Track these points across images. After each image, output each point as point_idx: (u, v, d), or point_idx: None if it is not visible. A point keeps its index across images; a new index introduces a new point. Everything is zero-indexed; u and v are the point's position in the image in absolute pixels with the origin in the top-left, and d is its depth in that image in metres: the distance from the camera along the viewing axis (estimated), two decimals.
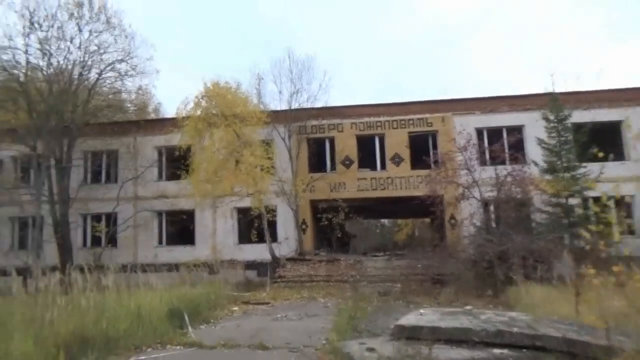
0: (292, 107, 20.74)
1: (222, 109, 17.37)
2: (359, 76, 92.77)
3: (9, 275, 7.94)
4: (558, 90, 16.48)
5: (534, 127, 17.69)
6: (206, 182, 17.43)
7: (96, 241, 21.71)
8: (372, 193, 20.29)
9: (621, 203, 17.32)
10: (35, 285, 7.25)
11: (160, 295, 9.00)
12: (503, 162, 14.61)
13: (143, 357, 6.38)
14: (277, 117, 20.23)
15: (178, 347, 7.07)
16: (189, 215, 21.36)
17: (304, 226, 20.55)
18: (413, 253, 22.06)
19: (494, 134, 18.82)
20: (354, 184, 20.40)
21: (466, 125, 18.46)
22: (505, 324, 6.22)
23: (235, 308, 12.10)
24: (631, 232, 16.46)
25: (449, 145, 17.56)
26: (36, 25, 19.89)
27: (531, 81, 76.71)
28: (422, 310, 7.19)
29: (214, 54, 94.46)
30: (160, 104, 34.55)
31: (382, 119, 20.61)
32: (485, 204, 18.10)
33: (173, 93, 58.33)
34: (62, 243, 20.17)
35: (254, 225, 18.93)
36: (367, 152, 20.61)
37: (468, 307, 7.39)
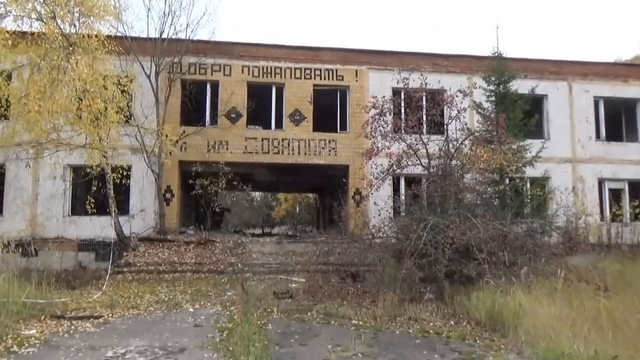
0: (165, 36, 15.08)
1: None
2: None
3: None
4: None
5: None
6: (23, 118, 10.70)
7: None
8: (263, 157, 15.74)
9: None
10: None
11: None
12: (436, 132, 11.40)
13: None
14: (142, 46, 14.72)
15: None
16: None
17: (168, 195, 15.28)
18: (308, 235, 18.39)
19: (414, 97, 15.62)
20: (240, 144, 15.62)
21: (382, 83, 15.10)
22: None
23: (33, 331, 6.84)
24: None
25: (360, 105, 13.91)
26: None
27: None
28: None
29: None
30: None
31: (282, 64, 16.06)
32: (396, 179, 14.97)
33: None
34: None
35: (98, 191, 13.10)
36: (260, 105, 15.92)
37: None
